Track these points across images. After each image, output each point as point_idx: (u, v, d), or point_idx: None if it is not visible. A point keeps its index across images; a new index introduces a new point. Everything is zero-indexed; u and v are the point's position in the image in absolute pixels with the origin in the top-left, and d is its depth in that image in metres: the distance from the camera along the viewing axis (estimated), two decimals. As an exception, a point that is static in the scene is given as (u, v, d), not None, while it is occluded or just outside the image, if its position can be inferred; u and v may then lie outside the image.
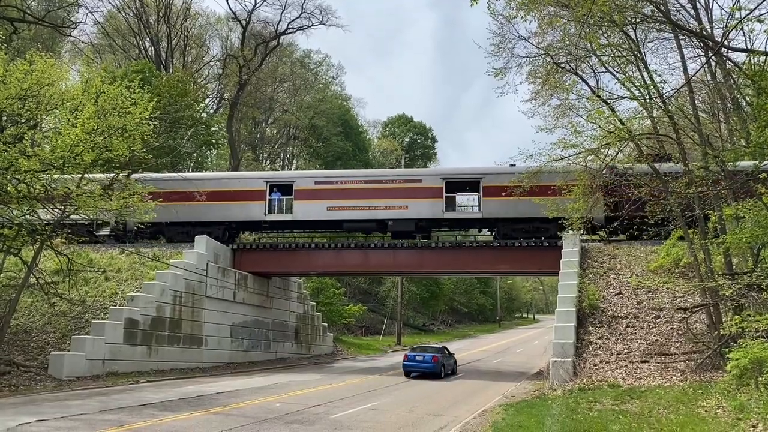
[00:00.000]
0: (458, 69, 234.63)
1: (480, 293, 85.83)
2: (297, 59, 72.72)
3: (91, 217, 24.34)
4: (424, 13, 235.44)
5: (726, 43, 16.18)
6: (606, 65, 22.34)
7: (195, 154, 51.76)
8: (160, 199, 27.02)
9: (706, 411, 14.17)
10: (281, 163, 74.62)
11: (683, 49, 21.41)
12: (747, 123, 23.63)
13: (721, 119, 27.47)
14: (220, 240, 31.24)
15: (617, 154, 22.90)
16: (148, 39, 56.60)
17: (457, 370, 30.82)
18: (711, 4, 25.98)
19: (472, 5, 13.43)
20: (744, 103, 24.77)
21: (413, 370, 28.23)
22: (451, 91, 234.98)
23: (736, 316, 16.97)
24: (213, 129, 53.76)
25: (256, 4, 57.50)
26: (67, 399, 17.62)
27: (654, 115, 21.74)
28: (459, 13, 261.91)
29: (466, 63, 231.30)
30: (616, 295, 24.47)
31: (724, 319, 18.94)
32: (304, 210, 31.51)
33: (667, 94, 20.11)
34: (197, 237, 29.91)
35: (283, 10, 57.56)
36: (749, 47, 17.79)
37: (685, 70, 21.30)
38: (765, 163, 18.14)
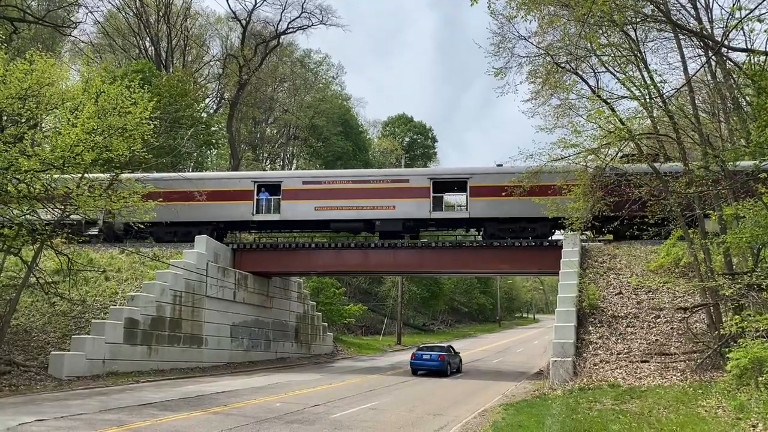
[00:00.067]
0: (458, 69, 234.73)
1: (480, 293, 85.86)
2: (297, 59, 72.74)
3: (80, 216, 24.16)
4: (424, 13, 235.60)
5: (726, 42, 16.19)
6: (606, 65, 22.36)
7: (195, 154, 51.77)
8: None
9: (706, 411, 14.17)
10: (281, 163, 74.68)
11: (683, 49, 21.44)
12: (747, 123, 23.61)
13: (721, 119, 27.46)
14: None
15: (617, 154, 22.92)
16: (148, 39, 56.60)
17: (462, 368, 31.42)
18: (711, 4, 25.97)
19: (472, 5, 13.45)
20: (744, 103, 24.76)
21: (420, 368, 28.96)
22: (451, 91, 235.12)
23: (736, 316, 16.98)
24: (213, 129, 53.79)
25: (256, 3, 57.57)
26: (67, 399, 17.63)
27: (654, 115, 21.74)
28: (459, 13, 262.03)
29: (466, 63, 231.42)
30: (616, 294, 24.48)
31: (724, 319, 18.95)
32: (292, 210, 31.54)
33: (667, 94, 20.14)
34: (197, 237, 29.92)
35: (283, 10, 57.64)
36: (749, 47, 17.76)
37: (685, 69, 21.31)
38: (765, 162, 18.13)
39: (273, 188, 32.12)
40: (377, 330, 58.63)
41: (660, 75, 27.67)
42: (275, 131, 74.08)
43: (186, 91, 46.65)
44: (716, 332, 19.20)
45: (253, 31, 59.42)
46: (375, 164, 71.70)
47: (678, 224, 21.94)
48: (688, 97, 21.91)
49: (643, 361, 20.48)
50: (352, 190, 31.36)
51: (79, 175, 22.28)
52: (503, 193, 28.07)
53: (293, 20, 58.01)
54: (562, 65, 22.69)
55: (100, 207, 22.57)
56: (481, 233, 32.07)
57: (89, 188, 21.98)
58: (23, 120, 21.97)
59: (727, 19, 15.59)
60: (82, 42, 56.24)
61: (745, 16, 13.39)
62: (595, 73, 23.21)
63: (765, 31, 12.59)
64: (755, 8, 14.04)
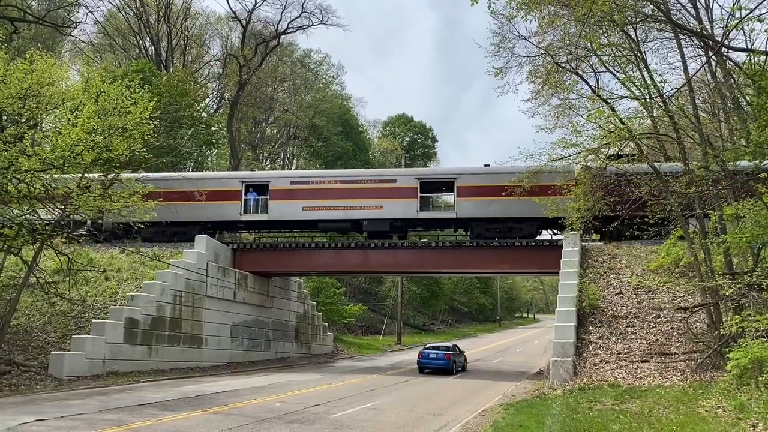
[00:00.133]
0: (458, 69, 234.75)
1: (480, 293, 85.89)
2: (297, 59, 72.75)
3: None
4: (424, 13, 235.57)
5: (726, 42, 16.16)
6: (606, 65, 22.36)
7: (195, 154, 51.76)
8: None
9: (706, 411, 14.17)
10: (281, 163, 74.70)
11: (683, 49, 21.42)
12: (747, 123, 23.58)
13: (721, 119, 27.43)
14: None
15: (616, 153, 22.93)
16: (148, 38, 56.60)
17: (467, 367, 32.11)
18: (711, 4, 25.94)
19: (472, 5, 13.42)
20: (744, 103, 24.74)
21: (428, 366, 29.69)
22: (451, 91, 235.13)
23: (737, 316, 16.97)
24: (213, 129, 53.75)
25: (256, 3, 57.49)
26: (67, 398, 17.63)
27: (654, 115, 21.72)
28: (459, 13, 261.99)
29: (466, 63, 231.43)
30: (616, 294, 24.48)
31: (724, 319, 18.95)
32: (280, 210, 31.54)
33: (667, 94, 20.13)
34: (197, 237, 29.92)
35: (283, 10, 57.61)
36: (749, 47, 17.74)
37: (685, 69, 21.30)
38: (765, 162, 18.12)
39: (261, 188, 32.09)
40: (377, 330, 58.63)
41: (660, 75, 27.61)
42: (275, 131, 74.08)
43: (186, 90, 46.63)
44: (716, 332, 19.20)
45: (253, 31, 59.43)
46: (375, 164, 71.70)
47: (678, 224, 21.94)
48: (688, 97, 21.89)
49: (643, 361, 20.49)
50: (340, 190, 31.37)
51: (79, 175, 22.29)
52: (491, 194, 28.20)
53: (293, 20, 58.11)
54: (563, 65, 22.69)
55: (99, 207, 22.55)
56: (468, 233, 32.12)
57: (85, 188, 21.97)
58: (23, 120, 21.96)
59: (727, 18, 15.60)
60: (82, 42, 56.28)
61: (745, 16, 13.39)
62: (595, 72, 23.24)
63: (765, 31, 12.62)
64: (755, 8, 14.03)
